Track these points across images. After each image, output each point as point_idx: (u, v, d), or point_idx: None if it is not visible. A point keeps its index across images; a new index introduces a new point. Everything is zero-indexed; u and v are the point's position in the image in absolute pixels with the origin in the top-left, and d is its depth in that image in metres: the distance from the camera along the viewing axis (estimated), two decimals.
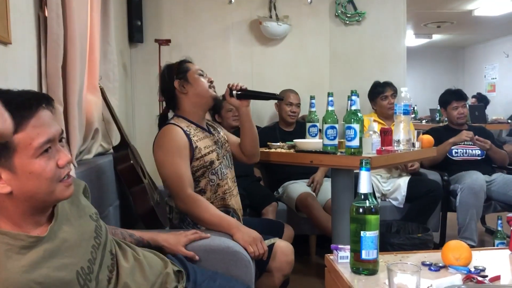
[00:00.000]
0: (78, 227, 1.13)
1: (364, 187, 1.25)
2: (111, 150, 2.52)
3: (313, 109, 2.61)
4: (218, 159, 2.01)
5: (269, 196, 3.14)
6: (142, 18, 3.57)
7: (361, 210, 1.24)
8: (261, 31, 3.72)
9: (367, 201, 1.24)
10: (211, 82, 2.06)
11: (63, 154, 1.04)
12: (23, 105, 0.98)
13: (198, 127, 2.03)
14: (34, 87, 1.67)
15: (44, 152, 1.00)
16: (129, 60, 3.61)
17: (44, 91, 1.71)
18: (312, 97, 2.62)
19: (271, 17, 3.74)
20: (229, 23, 3.79)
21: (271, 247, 1.85)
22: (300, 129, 3.27)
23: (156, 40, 3.44)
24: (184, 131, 1.94)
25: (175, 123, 1.97)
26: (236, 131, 3.08)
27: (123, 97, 3.22)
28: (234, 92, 2.04)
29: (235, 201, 2.09)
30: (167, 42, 3.42)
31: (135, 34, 3.50)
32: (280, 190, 3.31)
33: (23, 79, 1.58)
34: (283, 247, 1.90)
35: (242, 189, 2.97)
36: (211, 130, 2.11)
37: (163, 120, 2.14)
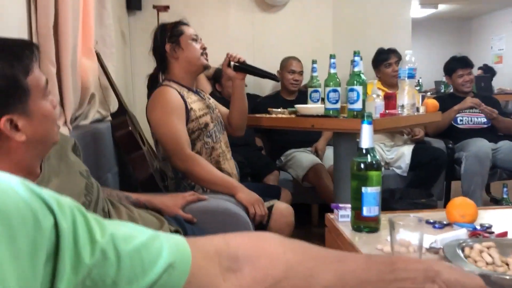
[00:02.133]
0: (67, 183, 1.09)
1: (365, 142, 1.20)
2: (109, 117, 2.48)
3: (315, 74, 2.53)
4: (212, 122, 2.00)
5: (271, 164, 3.10)
6: None
7: (362, 165, 1.19)
8: None
9: (368, 156, 1.19)
10: (204, 49, 2.03)
11: (51, 95, 1.04)
12: (23, 47, 0.95)
13: (190, 90, 2.01)
14: None
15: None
16: (127, 27, 3.53)
17: None
18: (314, 61, 2.54)
19: None
20: None
21: (270, 209, 1.82)
22: (302, 98, 3.19)
23: (154, 7, 3.36)
24: (178, 92, 1.92)
25: (168, 85, 1.94)
26: (261, 99, 3.03)
27: (121, 65, 3.15)
28: (232, 63, 2.01)
29: (229, 165, 2.07)
30: (166, 8, 3.33)
31: (133, 1, 3.41)
32: (282, 158, 3.26)
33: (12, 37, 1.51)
34: (282, 209, 1.88)
35: (243, 157, 2.94)
36: (201, 94, 2.10)
37: (153, 81, 2.11)
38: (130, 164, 2.26)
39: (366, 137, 1.20)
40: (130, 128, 2.30)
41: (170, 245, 0.51)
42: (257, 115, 2.43)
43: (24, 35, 1.63)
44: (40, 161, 1.04)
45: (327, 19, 3.80)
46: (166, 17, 3.45)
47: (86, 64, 2.18)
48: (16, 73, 0.90)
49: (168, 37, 1.98)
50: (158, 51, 2.02)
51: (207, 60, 2.03)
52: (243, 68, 2.03)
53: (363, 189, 1.18)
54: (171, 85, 1.95)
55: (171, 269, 0.50)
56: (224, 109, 2.22)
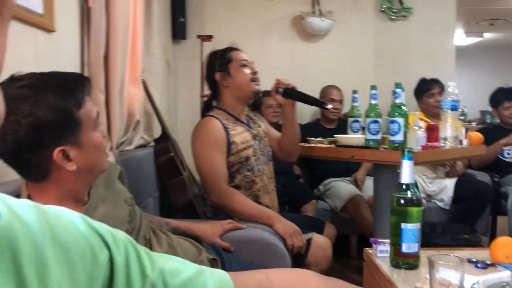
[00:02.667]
0: (112, 210, 1.13)
1: (405, 177, 1.19)
2: (152, 143, 2.55)
3: (355, 104, 2.52)
4: (254, 155, 1.96)
5: (308, 193, 3.08)
6: (186, 15, 3.61)
7: (402, 201, 1.18)
8: (304, 26, 3.68)
9: (408, 191, 1.18)
10: (255, 73, 1.99)
11: (101, 126, 1.08)
12: (76, 81, 1.01)
13: (237, 120, 1.99)
14: None
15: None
16: (172, 56, 3.65)
17: None
18: (355, 91, 2.54)
19: (314, 12, 3.69)
20: (271, 19, 3.77)
21: (308, 241, 1.80)
22: (342, 127, 3.18)
23: (198, 36, 3.47)
24: (223, 124, 1.91)
25: (214, 115, 1.95)
26: (276, 127, 3.05)
27: (165, 92, 3.26)
28: (281, 89, 1.96)
29: (269, 198, 2.04)
30: (209, 38, 3.43)
31: (178, 31, 3.54)
32: (321, 187, 3.24)
33: (65, 67, 1.61)
34: (321, 241, 1.85)
35: (281, 185, 2.94)
36: (250, 124, 2.06)
37: (207, 108, 2.11)
38: (170, 189, 2.32)
39: (407, 173, 1.18)
40: (172, 153, 2.36)
41: (215, 280, 0.53)
42: None
43: (77, 65, 1.72)
44: (88, 189, 1.09)
45: (369, 48, 3.80)
46: (210, 46, 3.57)
47: (133, 92, 2.27)
48: (69, 106, 0.96)
49: (218, 65, 1.97)
50: (209, 79, 2.02)
51: (258, 85, 1.99)
52: (292, 94, 1.97)
53: (403, 225, 1.16)
54: (218, 115, 1.95)
55: None
56: (275, 134, 2.17)
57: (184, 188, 2.28)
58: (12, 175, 1.12)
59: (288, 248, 1.67)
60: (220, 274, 0.55)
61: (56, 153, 0.95)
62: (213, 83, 2.01)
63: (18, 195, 1.05)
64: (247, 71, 1.97)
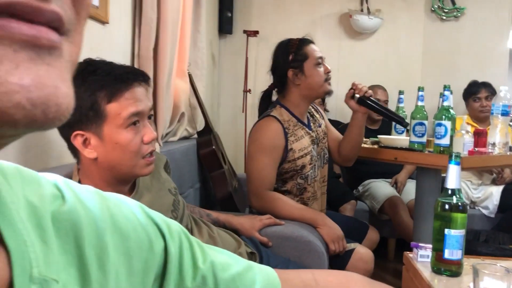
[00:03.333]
0: (157, 199, 1.17)
1: (452, 182, 1.16)
2: (195, 135, 2.60)
3: (401, 105, 2.48)
4: (310, 163, 1.88)
5: (348, 193, 3.05)
6: (233, 9, 3.64)
7: (447, 206, 1.15)
8: (351, 24, 3.63)
9: (454, 197, 1.15)
10: (328, 72, 1.89)
11: (149, 130, 1.07)
12: (121, 77, 1.02)
13: (298, 121, 1.89)
14: None
15: (132, 125, 1.03)
16: (217, 50, 3.69)
17: None
18: (401, 92, 2.50)
19: (362, 10, 3.63)
20: (318, 15, 3.74)
21: (350, 252, 1.77)
22: (386, 127, 3.13)
23: (244, 31, 3.49)
24: (284, 129, 1.82)
25: (276, 116, 1.84)
26: (344, 126, 3.02)
27: (209, 85, 3.30)
28: (357, 96, 1.87)
29: (317, 204, 1.96)
30: (255, 33, 3.45)
31: (225, 25, 3.58)
32: (360, 188, 3.21)
33: (116, 58, 1.64)
34: (363, 254, 1.81)
35: None
36: (311, 124, 1.96)
37: (266, 98, 2.02)
38: (211, 181, 2.36)
39: (453, 178, 1.16)
40: (213, 146, 2.40)
41: (263, 277, 0.54)
42: None
43: (128, 56, 1.78)
44: (122, 186, 1.10)
45: (417, 48, 3.71)
46: (255, 41, 3.59)
47: (179, 85, 2.32)
48: (97, 97, 0.99)
49: (291, 61, 1.85)
50: (278, 73, 1.89)
51: (330, 84, 1.90)
52: (368, 104, 1.86)
53: (446, 231, 1.14)
54: (280, 115, 1.84)
55: None
56: (335, 135, 2.08)
57: (224, 181, 2.32)
58: (66, 159, 1.18)
59: (330, 253, 1.66)
60: (268, 271, 0.56)
61: (74, 135, 1.00)
62: (282, 78, 1.88)
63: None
64: (322, 70, 1.87)
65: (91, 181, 1.06)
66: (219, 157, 2.39)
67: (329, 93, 1.91)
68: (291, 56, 1.85)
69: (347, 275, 0.63)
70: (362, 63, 3.73)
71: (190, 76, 2.43)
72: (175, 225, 0.49)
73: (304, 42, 1.89)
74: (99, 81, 0.98)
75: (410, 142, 2.11)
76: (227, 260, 0.52)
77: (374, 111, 1.92)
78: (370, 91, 1.90)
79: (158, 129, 1.90)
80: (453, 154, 1.16)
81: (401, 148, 2.11)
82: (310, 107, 2.00)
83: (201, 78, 2.68)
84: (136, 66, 1.80)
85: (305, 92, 1.86)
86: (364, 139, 2.42)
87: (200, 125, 2.59)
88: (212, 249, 0.53)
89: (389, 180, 3.16)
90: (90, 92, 0.98)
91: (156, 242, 0.45)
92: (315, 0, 3.72)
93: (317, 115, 2.04)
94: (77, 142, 1.01)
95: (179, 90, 2.30)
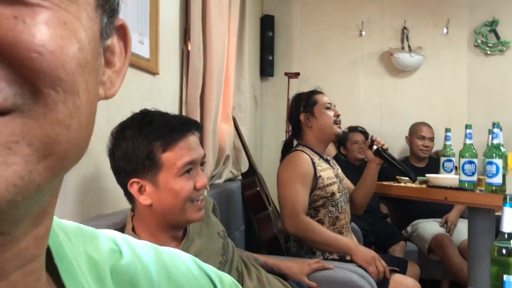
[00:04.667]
0: (207, 243, 1.19)
1: (508, 226, 1.12)
2: (240, 177, 2.63)
3: (448, 143, 2.43)
4: (339, 191, 2.00)
5: (397, 234, 2.97)
6: (274, 53, 3.73)
7: (504, 251, 1.11)
8: (392, 62, 3.63)
9: (511, 241, 1.11)
10: (338, 116, 2.07)
11: (201, 177, 1.10)
12: (176, 128, 1.07)
13: (321, 157, 2.06)
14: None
15: (186, 173, 1.07)
16: (259, 92, 3.77)
17: None
18: (447, 130, 2.45)
19: (403, 48, 3.64)
20: (359, 55, 3.77)
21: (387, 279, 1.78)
22: (433, 165, 3.06)
23: (285, 74, 3.55)
24: (311, 159, 1.97)
25: (302, 150, 2.02)
26: (362, 164, 3.01)
27: (252, 127, 3.36)
28: (375, 147, 2.03)
29: (351, 237, 2.06)
30: (296, 75, 3.51)
31: (266, 68, 3.66)
32: (409, 228, 3.11)
33: (167, 106, 1.74)
34: (409, 284, 1.79)
35: (367, 224, 2.87)
36: (331, 163, 2.14)
37: (287, 147, 2.21)
38: (256, 223, 2.36)
39: (509, 221, 1.12)
40: (258, 188, 2.42)
41: None
42: (385, 183, 2.38)
43: (176, 104, 1.85)
44: (175, 231, 1.13)
45: (462, 84, 3.65)
46: (296, 83, 3.64)
47: (224, 128, 2.38)
48: (154, 147, 1.04)
49: (303, 106, 2.06)
50: (293, 120, 2.11)
51: (339, 127, 2.08)
52: (383, 156, 2.03)
53: (505, 277, 1.09)
54: (305, 150, 2.02)
55: None
56: (349, 185, 2.22)
57: (270, 222, 2.31)
58: (121, 205, 1.22)
59: (373, 277, 1.67)
60: None
61: (130, 182, 1.05)
62: (296, 123, 2.10)
63: (124, 226, 1.14)
64: (331, 113, 2.05)
65: (145, 227, 1.10)
66: (264, 199, 2.40)
67: (339, 135, 2.09)
68: (303, 103, 2.07)
69: None
70: (405, 100, 3.70)
71: (234, 119, 2.49)
72: (227, 277, 0.51)
73: (314, 92, 2.13)
74: (155, 132, 1.03)
75: (460, 181, 2.05)
76: None
77: (388, 162, 2.07)
78: (386, 145, 2.06)
79: (205, 172, 1.95)
80: (509, 196, 1.13)
81: (451, 188, 2.06)
82: (328, 157, 2.17)
83: (245, 121, 2.74)
84: (184, 112, 1.87)
85: (317, 133, 2.05)
86: (406, 178, 2.38)
87: (244, 166, 2.63)
88: None
89: (439, 219, 3.06)
90: (147, 142, 1.03)
91: None
92: (355, 40, 3.76)
93: (333, 163, 2.20)
94: (133, 189, 1.05)
95: (224, 133, 2.36)
